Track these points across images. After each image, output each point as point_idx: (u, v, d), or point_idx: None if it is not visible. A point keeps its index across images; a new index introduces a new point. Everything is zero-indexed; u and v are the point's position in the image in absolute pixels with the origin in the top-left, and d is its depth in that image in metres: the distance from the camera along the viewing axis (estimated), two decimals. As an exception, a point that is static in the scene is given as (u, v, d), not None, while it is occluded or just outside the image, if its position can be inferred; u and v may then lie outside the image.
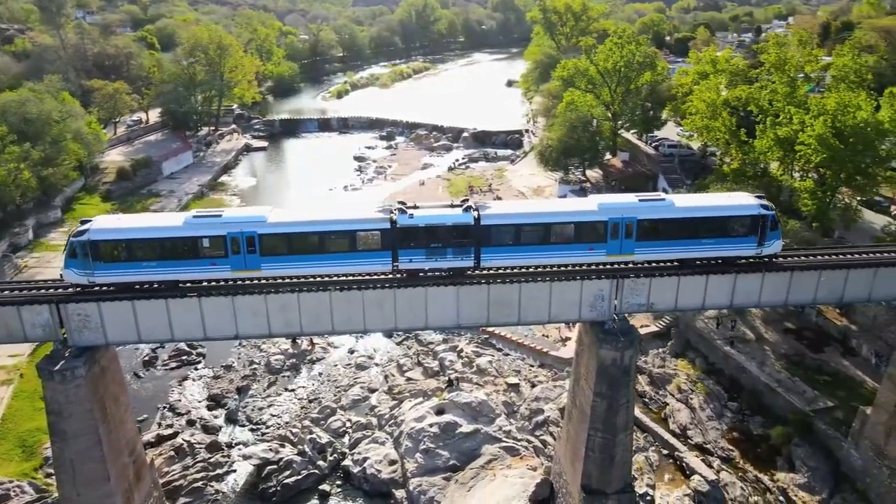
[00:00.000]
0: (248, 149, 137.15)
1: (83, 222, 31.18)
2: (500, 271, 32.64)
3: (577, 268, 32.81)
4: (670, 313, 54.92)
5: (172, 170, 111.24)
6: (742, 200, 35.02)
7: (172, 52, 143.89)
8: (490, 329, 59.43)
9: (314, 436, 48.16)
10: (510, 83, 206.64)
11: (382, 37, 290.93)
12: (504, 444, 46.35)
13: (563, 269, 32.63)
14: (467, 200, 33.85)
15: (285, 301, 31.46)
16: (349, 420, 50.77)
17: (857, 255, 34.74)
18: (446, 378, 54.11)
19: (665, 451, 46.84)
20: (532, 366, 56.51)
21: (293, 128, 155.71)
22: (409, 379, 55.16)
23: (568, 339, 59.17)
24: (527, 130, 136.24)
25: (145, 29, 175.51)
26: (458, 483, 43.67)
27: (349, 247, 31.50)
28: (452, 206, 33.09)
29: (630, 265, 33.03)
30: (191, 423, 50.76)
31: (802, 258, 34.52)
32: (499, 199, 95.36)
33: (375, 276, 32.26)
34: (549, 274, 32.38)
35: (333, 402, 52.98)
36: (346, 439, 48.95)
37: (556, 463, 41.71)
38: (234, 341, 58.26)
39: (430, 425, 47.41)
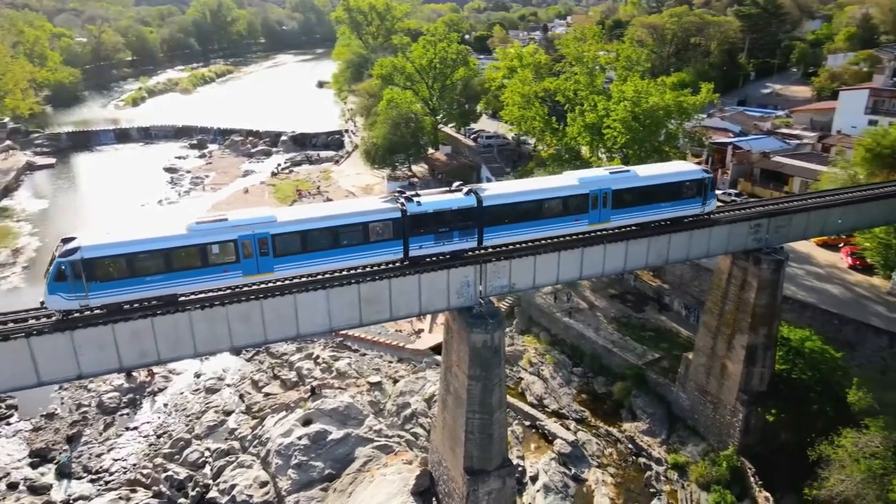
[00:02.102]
0: (30, 167, 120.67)
1: (66, 241, 27.18)
2: (371, 269, 32.33)
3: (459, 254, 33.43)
4: (530, 290, 58.03)
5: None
6: (686, 167, 39.14)
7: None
8: (343, 331, 58.51)
9: (170, 473, 44.08)
10: (321, 84, 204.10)
11: (176, 38, 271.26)
12: (377, 444, 46.10)
13: (434, 259, 33.16)
14: (462, 184, 34.55)
15: (137, 328, 28.22)
16: (208, 449, 47.16)
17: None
18: (307, 387, 52.41)
19: (527, 423, 49.80)
20: (391, 362, 56.75)
21: (85, 141, 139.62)
22: (267, 394, 52.56)
23: (421, 331, 60.35)
24: (346, 130, 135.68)
25: None
26: (336, 491, 42.64)
27: (361, 239, 30.93)
28: (451, 190, 33.61)
29: (490, 250, 34.47)
30: (12, 486, 43.75)
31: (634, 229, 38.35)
32: (329, 200, 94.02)
33: (237, 290, 30.27)
34: (416, 267, 32.73)
35: (186, 432, 48.82)
36: (207, 470, 45.42)
37: (433, 452, 42.40)
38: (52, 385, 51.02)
39: (299, 438, 45.70)
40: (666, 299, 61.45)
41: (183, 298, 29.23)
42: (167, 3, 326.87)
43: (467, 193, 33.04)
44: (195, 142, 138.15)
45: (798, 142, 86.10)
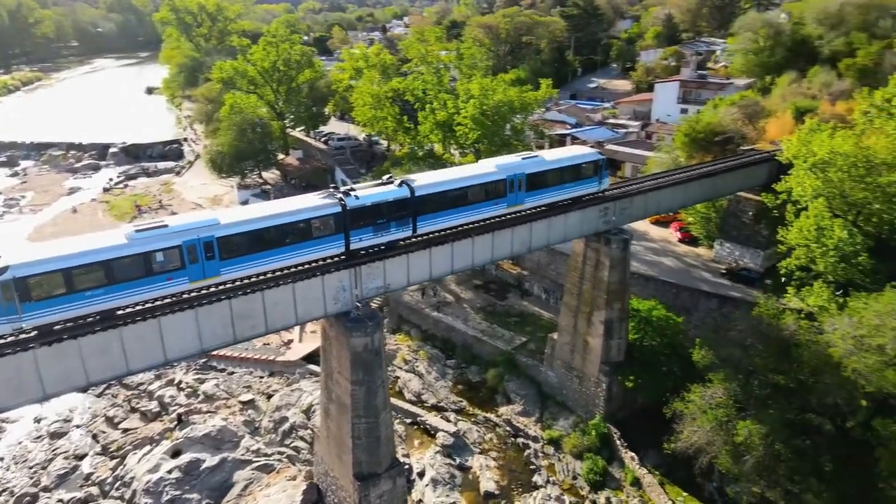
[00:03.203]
0: None
1: None
2: (240, 283, 30.79)
3: (317, 263, 32.75)
4: (404, 290, 58.13)
5: None
6: (584, 150, 42.81)
7: None
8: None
9: (17, 533, 39.04)
10: (151, 90, 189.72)
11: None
12: (256, 464, 44.10)
13: (302, 267, 32.23)
14: (391, 177, 35.38)
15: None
16: (60, 501, 42.26)
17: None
18: (172, 416, 48.75)
19: (408, 420, 50.16)
20: (262, 377, 54.42)
21: None
22: (126, 430, 48.12)
23: (291, 341, 58.51)
24: (185, 139, 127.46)
25: None
26: (217, 521, 40.25)
27: (304, 236, 30.98)
28: (383, 183, 34.39)
29: (366, 252, 34.20)
30: None
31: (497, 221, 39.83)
32: (174, 214, 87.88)
33: (89, 319, 27.47)
34: (290, 276, 31.72)
35: (32, 485, 43.40)
36: (63, 523, 40.80)
37: (318, 464, 41.37)
38: None
39: (169, 471, 42.46)
40: (526, 285, 64.78)
41: (120, 312, 27.71)
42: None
43: (400, 185, 34.10)
44: (4, 159, 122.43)
45: (625, 130, 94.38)
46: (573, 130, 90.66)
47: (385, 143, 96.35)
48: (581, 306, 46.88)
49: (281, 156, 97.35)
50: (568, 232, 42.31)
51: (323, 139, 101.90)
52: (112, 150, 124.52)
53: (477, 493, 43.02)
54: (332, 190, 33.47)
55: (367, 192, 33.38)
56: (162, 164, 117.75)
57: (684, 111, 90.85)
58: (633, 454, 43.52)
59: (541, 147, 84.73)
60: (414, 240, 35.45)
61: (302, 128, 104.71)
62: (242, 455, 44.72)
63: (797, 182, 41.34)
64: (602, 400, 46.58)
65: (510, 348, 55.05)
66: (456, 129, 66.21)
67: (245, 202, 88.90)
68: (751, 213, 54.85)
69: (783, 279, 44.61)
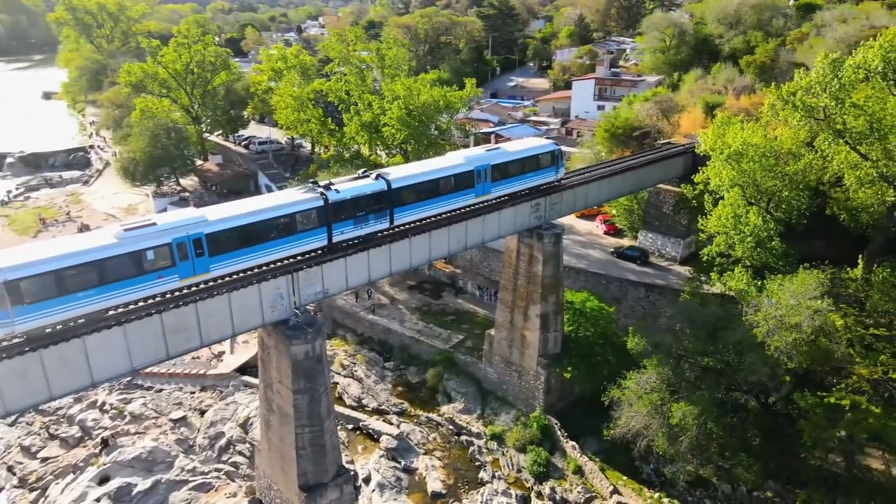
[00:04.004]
0: None
1: None
2: (172, 295, 29.30)
3: (274, 265, 32.41)
4: (342, 294, 56.94)
5: None
6: (540, 142, 44.65)
7: None
8: (130, 370, 52.26)
9: (-74, 582, 35.68)
10: (48, 95, 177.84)
11: None
12: (193, 484, 42.26)
13: (240, 275, 31.10)
14: (367, 171, 36.54)
15: None
16: (-26, 541, 39.04)
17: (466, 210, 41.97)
18: (97, 440, 45.85)
19: (350, 426, 49.38)
20: (193, 392, 52.12)
21: None
22: (45, 459, 44.85)
23: (222, 353, 56.40)
24: (92, 146, 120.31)
25: None
26: (154, 547, 38.27)
27: (289, 230, 31.63)
28: (360, 177, 35.53)
29: (306, 256, 33.45)
30: None
31: (434, 220, 39.76)
32: (86, 227, 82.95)
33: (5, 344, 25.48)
34: (224, 286, 30.48)
35: (-60, 528, 39.85)
36: (-22, 566, 37.62)
37: (260, 478, 40.04)
38: None
39: (97, 499, 40.07)
40: (460, 283, 65.19)
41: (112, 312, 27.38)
42: None
43: (376, 178, 35.21)
44: None
45: (546, 127, 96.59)
46: (497, 129, 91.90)
47: (309, 145, 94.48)
48: (517, 301, 47.59)
49: (199, 162, 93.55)
50: (502, 229, 42.82)
51: (243, 143, 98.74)
52: (9, 160, 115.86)
53: (424, 493, 42.88)
54: (311, 185, 34.12)
55: (346, 186, 34.24)
56: (67, 174, 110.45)
57: (601, 107, 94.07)
58: (573, 443, 44.60)
59: (466, 146, 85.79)
60: (381, 234, 36.05)
61: (220, 132, 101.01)
62: (177, 475, 42.70)
63: (714, 173, 43.59)
64: (541, 392, 47.46)
65: (448, 347, 55.21)
66: (383, 130, 65.71)
67: (163, 210, 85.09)
68: (671, 204, 57.41)
69: (704, 265, 47.10)
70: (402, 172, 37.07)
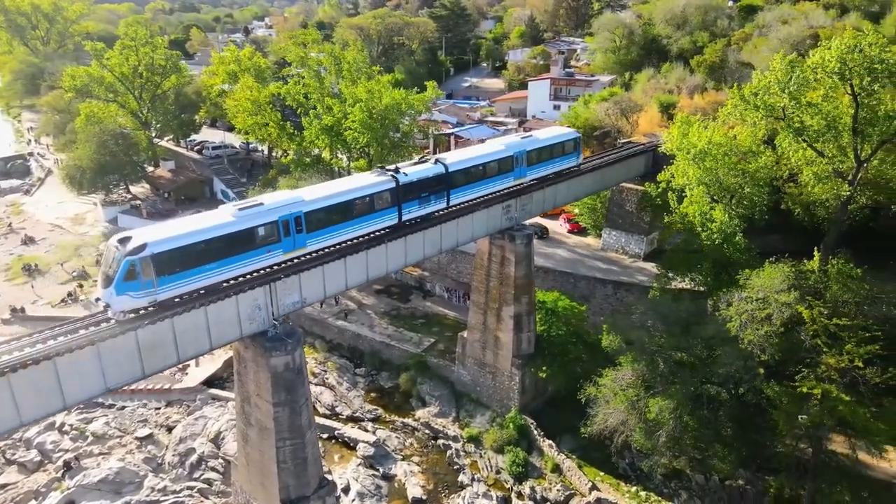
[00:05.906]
0: None
1: (122, 241, 27.15)
2: (146, 311, 28.13)
3: (254, 275, 31.83)
4: (321, 302, 56.11)
5: None
6: (564, 130, 49.69)
7: None
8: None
9: None
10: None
11: None
12: (165, 504, 40.82)
13: (220, 286, 30.17)
14: (425, 156, 40.00)
15: None
16: (-71, 578, 36.71)
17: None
18: (58, 464, 43.73)
19: (325, 435, 48.50)
20: (158, 408, 50.33)
21: None
22: (2, 486, 42.51)
23: (187, 366, 54.54)
24: (31, 154, 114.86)
25: None
26: (127, 572, 36.76)
27: (368, 209, 34.69)
28: (420, 161, 38.90)
29: (289, 263, 32.75)
30: None
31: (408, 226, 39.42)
32: (31, 238, 79.26)
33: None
34: (200, 299, 29.49)
35: None
36: None
37: (237, 494, 38.92)
38: None
39: (63, 526, 38.18)
40: (428, 286, 64.98)
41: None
42: None
43: (436, 163, 38.51)
44: None
45: (504, 128, 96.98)
46: (456, 129, 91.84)
47: (264, 150, 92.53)
48: (490, 303, 47.71)
49: (150, 168, 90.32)
50: (475, 231, 42.81)
51: (196, 148, 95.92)
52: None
53: (405, 500, 42.58)
54: (380, 168, 37.26)
55: (412, 169, 37.42)
56: (5, 183, 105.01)
57: (557, 107, 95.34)
58: (550, 442, 45.00)
59: (425, 148, 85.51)
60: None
61: (171, 137, 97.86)
62: (147, 496, 41.22)
63: (681, 172, 44.67)
64: (516, 393, 47.71)
65: (420, 350, 54.95)
66: (344, 134, 64.86)
67: (113, 219, 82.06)
68: (633, 202, 58.56)
69: (669, 262, 48.20)
70: (456, 157, 40.71)
